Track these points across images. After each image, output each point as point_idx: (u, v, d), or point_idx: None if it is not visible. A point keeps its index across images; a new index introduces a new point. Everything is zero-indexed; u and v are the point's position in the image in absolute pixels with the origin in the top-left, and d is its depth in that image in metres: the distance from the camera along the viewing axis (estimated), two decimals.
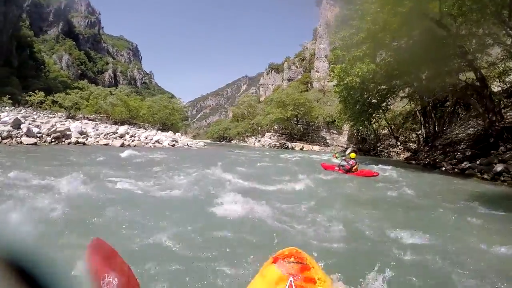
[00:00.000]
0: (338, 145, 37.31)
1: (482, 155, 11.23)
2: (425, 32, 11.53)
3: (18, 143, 12.84)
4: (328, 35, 61.60)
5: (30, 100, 34.02)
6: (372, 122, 24.34)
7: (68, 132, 16.03)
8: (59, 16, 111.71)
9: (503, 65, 15.24)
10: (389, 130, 27.97)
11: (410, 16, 10.68)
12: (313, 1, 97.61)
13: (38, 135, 14.42)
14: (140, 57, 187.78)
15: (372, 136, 31.63)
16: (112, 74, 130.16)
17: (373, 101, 18.95)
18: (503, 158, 10.11)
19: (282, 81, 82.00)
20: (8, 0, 54.17)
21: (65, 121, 24.06)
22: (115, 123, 30.33)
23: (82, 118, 30.68)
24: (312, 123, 43.22)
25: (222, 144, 51.09)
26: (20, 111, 27.02)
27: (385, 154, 27.05)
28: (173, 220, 3.47)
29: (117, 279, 0.99)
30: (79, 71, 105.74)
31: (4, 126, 13.66)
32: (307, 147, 37.83)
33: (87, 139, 17.08)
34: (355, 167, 9.32)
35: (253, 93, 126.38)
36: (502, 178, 9.31)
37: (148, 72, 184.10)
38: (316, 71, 68.47)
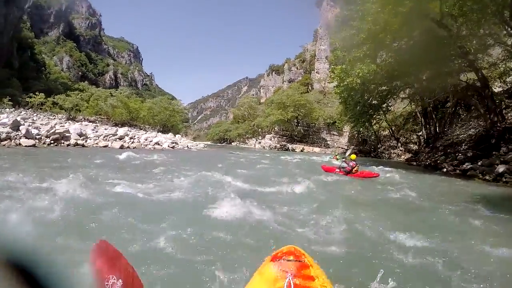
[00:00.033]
0: (339, 147, 37.29)
1: (483, 156, 11.17)
2: (426, 32, 11.52)
3: (17, 144, 12.81)
4: (328, 36, 61.70)
5: (30, 101, 34.02)
6: (372, 124, 24.30)
7: (67, 134, 15.99)
8: (60, 18, 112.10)
9: (504, 66, 15.24)
10: (389, 131, 27.96)
11: (411, 16, 10.67)
12: (313, 2, 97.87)
13: (37, 136, 14.37)
14: (140, 58, 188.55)
15: (372, 137, 31.61)
16: (112, 76, 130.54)
17: (373, 102, 18.90)
18: (505, 159, 10.04)
19: (283, 83, 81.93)
20: (9, 2, 54.31)
21: (65, 122, 24.04)
22: (116, 125, 30.30)
23: (83, 119, 30.72)
24: (313, 124, 43.24)
25: (222, 146, 51.07)
26: (20, 112, 27.10)
27: (386, 156, 27.00)
28: (173, 222, 3.44)
29: (122, 280, 1.00)
30: (80, 73, 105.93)
31: (3, 127, 13.61)
32: (307, 148, 37.80)
33: (86, 141, 17.04)
34: (355, 168, 9.26)
35: (253, 95, 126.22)
36: (504, 179, 9.26)
37: (148, 74, 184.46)
38: (316, 72, 68.44)
